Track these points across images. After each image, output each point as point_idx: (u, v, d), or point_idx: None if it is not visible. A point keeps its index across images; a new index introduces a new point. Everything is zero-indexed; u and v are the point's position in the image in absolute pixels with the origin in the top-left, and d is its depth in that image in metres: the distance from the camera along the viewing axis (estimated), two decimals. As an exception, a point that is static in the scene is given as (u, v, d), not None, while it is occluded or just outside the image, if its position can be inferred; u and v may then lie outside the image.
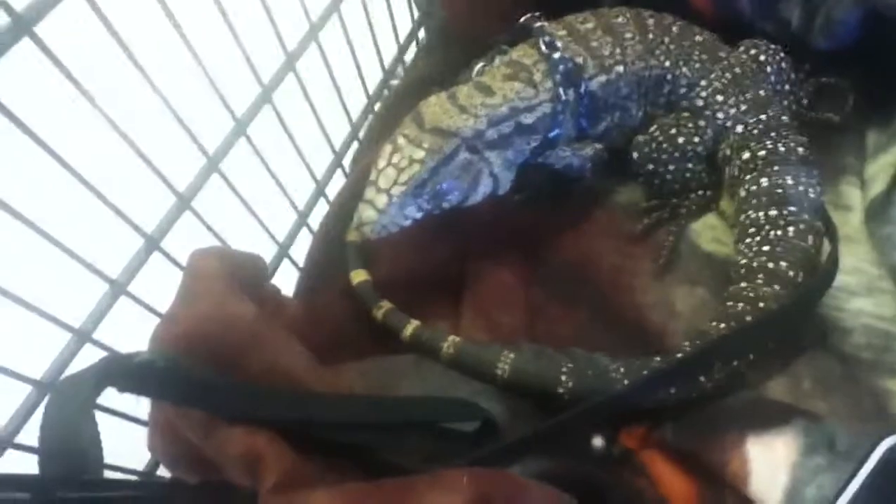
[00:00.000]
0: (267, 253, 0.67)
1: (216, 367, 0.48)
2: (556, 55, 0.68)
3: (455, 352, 0.60)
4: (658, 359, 0.58)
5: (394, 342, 0.62)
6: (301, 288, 0.66)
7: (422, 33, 0.92)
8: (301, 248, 0.70)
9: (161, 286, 0.53)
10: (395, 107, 0.81)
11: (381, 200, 0.59)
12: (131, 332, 0.49)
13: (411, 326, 0.62)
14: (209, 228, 0.60)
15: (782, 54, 0.76)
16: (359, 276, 0.66)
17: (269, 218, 0.67)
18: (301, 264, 0.70)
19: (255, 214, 0.65)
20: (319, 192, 0.75)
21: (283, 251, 0.69)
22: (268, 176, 0.67)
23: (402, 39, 0.88)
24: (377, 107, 0.84)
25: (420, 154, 0.60)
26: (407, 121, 0.63)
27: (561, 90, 0.68)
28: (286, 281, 0.68)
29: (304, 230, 0.72)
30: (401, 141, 0.62)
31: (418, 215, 0.62)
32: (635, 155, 0.72)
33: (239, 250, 0.59)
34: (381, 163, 0.61)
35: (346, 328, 0.64)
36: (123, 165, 0.55)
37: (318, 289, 0.66)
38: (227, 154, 0.61)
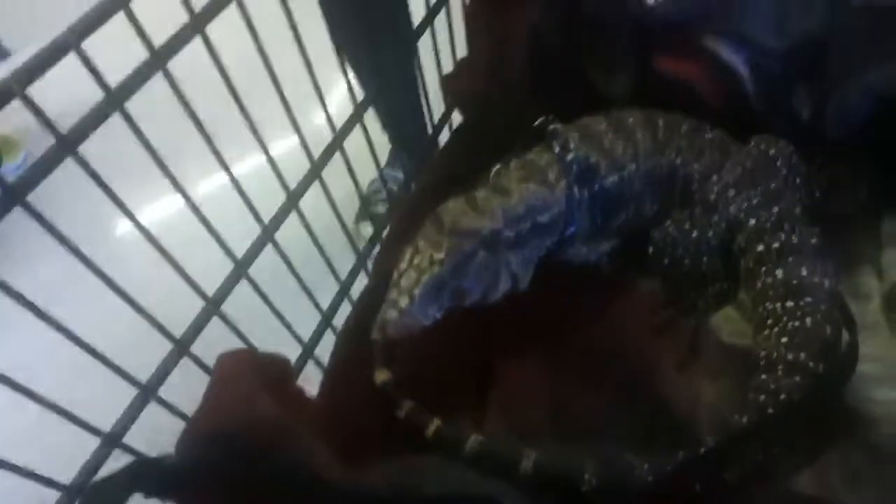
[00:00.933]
0: (292, 353, 0.68)
1: (241, 469, 0.48)
2: (570, 156, 0.70)
3: (478, 450, 0.60)
4: (683, 453, 0.58)
5: (418, 441, 0.62)
6: (324, 388, 0.67)
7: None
8: (325, 349, 0.72)
9: (190, 390, 0.54)
10: (416, 207, 0.83)
11: (404, 301, 0.61)
12: (160, 435, 0.50)
13: (434, 425, 0.62)
14: (237, 332, 0.62)
15: (792, 148, 0.78)
16: (382, 375, 0.67)
17: (294, 319, 0.69)
18: (325, 364, 0.71)
19: (281, 316, 0.67)
20: (343, 292, 0.77)
21: (308, 352, 0.71)
22: (292, 279, 0.69)
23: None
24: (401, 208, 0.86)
25: (440, 255, 0.62)
26: (427, 224, 0.65)
27: (575, 189, 0.70)
28: (311, 381, 0.69)
29: (329, 331, 0.74)
30: (421, 243, 0.63)
31: (438, 315, 0.63)
32: (651, 250, 0.73)
33: (264, 352, 0.61)
34: (403, 265, 0.63)
35: (370, 427, 0.65)
36: (152, 270, 0.57)
37: (341, 388, 0.67)
38: (254, 259, 0.63)
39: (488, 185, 0.69)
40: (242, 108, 0.59)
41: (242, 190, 0.62)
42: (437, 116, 0.92)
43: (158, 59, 0.52)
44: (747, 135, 0.79)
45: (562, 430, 0.65)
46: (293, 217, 0.69)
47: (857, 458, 0.60)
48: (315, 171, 0.71)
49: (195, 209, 0.58)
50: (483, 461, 0.59)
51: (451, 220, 0.64)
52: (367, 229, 1.33)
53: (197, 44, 0.55)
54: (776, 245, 0.69)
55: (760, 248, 0.70)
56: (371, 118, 0.81)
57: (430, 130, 0.91)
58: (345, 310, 0.76)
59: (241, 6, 0.59)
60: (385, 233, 0.84)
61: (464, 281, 0.63)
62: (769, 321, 0.66)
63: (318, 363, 0.72)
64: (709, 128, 0.77)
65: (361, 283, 0.79)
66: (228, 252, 0.61)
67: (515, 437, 0.62)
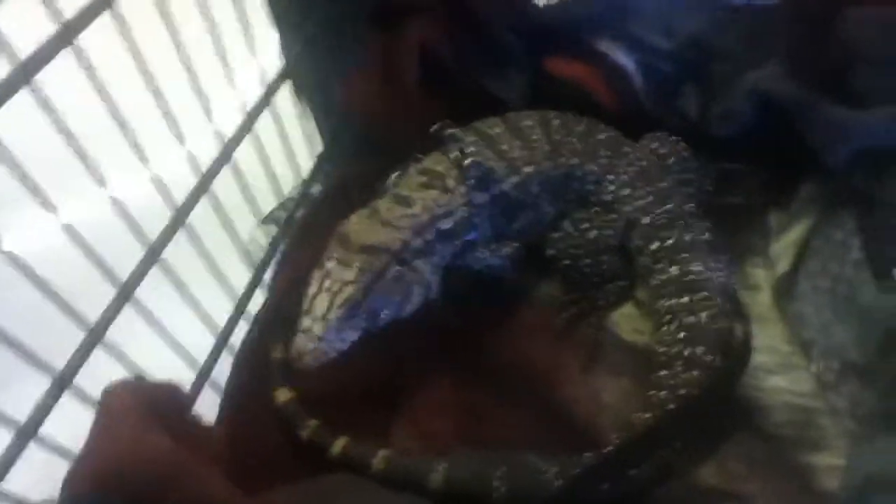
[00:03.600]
0: (186, 379, 0.65)
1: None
2: (468, 161, 0.70)
3: (386, 466, 0.59)
4: (588, 455, 0.58)
5: (324, 461, 0.60)
6: (223, 412, 0.65)
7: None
8: (222, 371, 0.69)
9: (74, 427, 0.51)
10: (313, 218, 0.82)
11: (318, 328, 0.59)
12: (40, 480, 0.47)
13: (340, 443, 0.61)
14: (123, 361, 0.59)
15: (683, 145, 0.80)
16: (283, 395, 0.65)
17: (187, 342, 0.66)
18: (223, 387, 0.69)
19: (173, 339, 0.64)
20: (239, 311, 0.75)
21: (204, 376, 0.68)
22: (182, 301, 0.67)
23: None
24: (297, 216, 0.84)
25: (351, 275, 0.60)
26: (333, 244, 0.63)
27: (475, 194, 0.69)
28: (209, 406, 0.67)
29: (225, 352, 0.71)
30: (329, 265, 0.61)
31: (355, 337, 0.61)
32: (551, 251, 0.74)
33: (155, 381, 0.58)
34: (313, 289, 0.61)
35: (274, 451, 0.62)
36: (29, 299, 0.54)
37: (241, 412, 0.64)
38: (139, 282, 0.60)
39: (389, 196, 0.68)
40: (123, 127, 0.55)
41: (124, 209, 0.59)
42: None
43: (26, 73, 0.49)
44: (640, 133, 0.81)
45: (471, 441, 0.64)
46: (181, 232, 0.66)
47: (754, 446, 0.62)
48: (203, 186, 0.68)
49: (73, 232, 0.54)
50: (393, 477, 0.58)
51: (358, 237, 0.63)
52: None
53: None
54: (670, 242, 0.70)
55: (655, 245, 0.71)
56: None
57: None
58: (241, 329, 0.73)
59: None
60: (283, 245, 0.82)
61: (378, 299, 0.62)
62: (666, 317, 0.67)
63: (214, 388, 0.69)
64: (602, 127, 0.78)
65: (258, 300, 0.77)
66: (111, 276, 0.58)
67: (425, 451, 0.60)
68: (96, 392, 0.54)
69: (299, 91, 0.93)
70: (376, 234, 0.63)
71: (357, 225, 0.64)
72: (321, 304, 0.59)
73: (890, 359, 0.61)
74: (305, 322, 0.59)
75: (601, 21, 0.85)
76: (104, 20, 0.56)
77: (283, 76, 0.83)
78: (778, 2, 0.85)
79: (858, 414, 0.62)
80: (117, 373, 0.58)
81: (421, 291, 0.66)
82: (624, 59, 0.84)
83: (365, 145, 0.92)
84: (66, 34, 0.52)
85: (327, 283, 0.60)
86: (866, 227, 0.70)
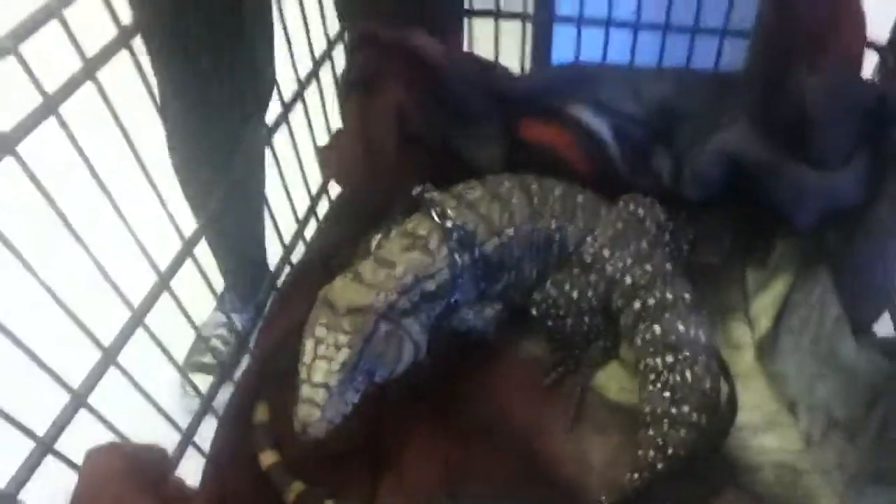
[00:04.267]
0: (170, 441, 0.64)
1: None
2: (449, 223, 0.71)
3: (372, 528, 0.58)
4: (577, 515, 0.58)
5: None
6: (207, 476, 0.63)
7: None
8: (206, 434, 0.68)
9: (56, 490, 0.50)
10: (296, 283, 0.82)
11: (321, 395, 0.58)
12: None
13: (326, 506, 0.60)
14: (106, 424, 0.58)
15: (658, 206, 0.81)
16: (269, 459, 0.64)
17: (171, 406, 0.65)
18: (206, 451, 0.67)
19: (156, 404, 0.63)
20: (224, 375, 0.74)
21: (187, 439, 0.67)
22: (167, 363, 0.66)
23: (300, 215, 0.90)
24: (279, 283, 0.84)
25: (344, 338, 0.60)
26: (319, 311, 0.63)
27: (456, 256, 0.70)
28: (192, 469, 0.65)
29: (210, 415, 0.70)
30: (320, 331, 0.61)
31: (356, 399, 0.61)
32: (534, 312, 0.75)
33: (138, 444, 0.57)
34: (308, 358, 0.60)
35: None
36: (11, 361, 0.53)
37: (225, 476, 0.63)
38: (124, 345, 0.60)
39: (371, 259, 0.68)
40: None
41: (105, 273, 0.58)
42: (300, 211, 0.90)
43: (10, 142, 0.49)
44: (615, 196, 0.82)
45: (457, 495, 0.63)
46: (165, 297, 0.65)
47: (744, 504, 0.62)
48: (189, 248, 0.68)
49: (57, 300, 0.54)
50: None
51: (344, 301, 0.63)
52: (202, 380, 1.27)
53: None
54: (651, 301, 0.71)
55: (637, 305, 0.72)
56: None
57: (297, 219, 0.89)
58: (226, 391, 0.72)
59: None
60: (265, 311, 0.81)
61: (373, 359, 0.61)
62: (651, 376, 0.68)
63: (199, 450, 0.68)
64: (580, 190, 0.80)
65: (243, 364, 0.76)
66: (94, 339, 0.57)
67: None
68: (79, 455, 0.52)
69: None
70: (361, 296, 0.63)
71: (341, 289, 0.64)
72: (319, 371, 0.59)
73: (873, 414, 0.62)
74: (305, 391, 0.59)
75: (572, 87, 0.88)
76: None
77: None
78: (740, 68, 0.88)
79: (846, 470, 0.62)
80: (100, 436, 0.57)
81: (411, 350, 0.65)
82: (597, 123, 0.86)
83: (345, 211, 0.93)
84: (50, 104, 0.52)
85: (321, 350, 0.60)
86: (842, 284, 0.71)
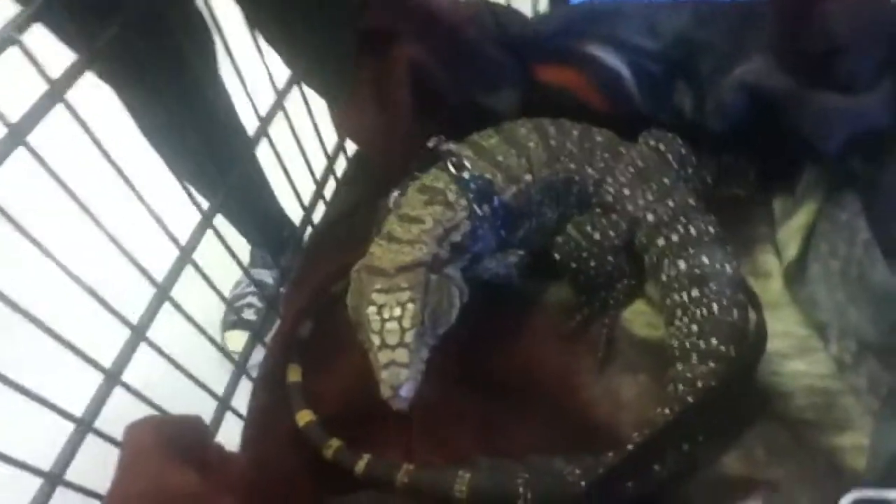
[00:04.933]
0: (208, 408, 0.66)
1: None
2: (466, 174, 0.70)
3: (410, 480, 0.59)
4: (611, 454, 0.58)
5: (349, 481, 0.61)
6: (247, 439, 0.65)
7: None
8: (243, 398, 0.69)
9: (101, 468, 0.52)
10: (319, 243, 0.83)
11: (403, 355, 0.58)
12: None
13: (363, 461, 0.61)
14: (143, 399, 0.59)
15: (680, 141, 0.80)
16: (305, 417, 0.65)
17: (205, 372, 0.66)
18: (244, 413, 0.69)
19: (189, 374, 0.64)
20: (255, 336, 0.75)
21: (225, 404, 0.68)
22: (196, 333, 0.67)
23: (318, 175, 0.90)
24: (304, 243, 0.85)
25: (405, 295, 0.60)
26: (366, 278, 0.63)
27: (476, 206, 0.70)
28: (231, 433, 0.67)
29: (244, 379, 0.72)
30: (378, 297, 0.61)
31: (427, 354, 0.61)
32: (557, 256, 0.74)
33: (176, 416, 0.58)
34: (376, 325, 0.60)
35: (298, 474, 0.63)
36: (42, 349, 0.55)
37: (264, 437, 0.65)
38: (152, 322, 0.61)
39: (396, 218, 0.69)
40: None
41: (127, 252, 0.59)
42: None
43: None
44: (636, 134, 0.81)
45: (492, 450, 0.64)
46: (189, 270, 0.66)
47: (777, 432, 0.62)
48: (207, 219, 0.68)
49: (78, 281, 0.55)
50: (418, 490, 0.59)
51: (389, 262, 0.63)
52: (236, 337, 1.29)
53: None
54: (676, 238, 0.70)
55: (661, 241, 0.71)
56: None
57: (315, 180, 0.89)
58: (258, 355, 0.74)
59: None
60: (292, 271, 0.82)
61: (433, 310, 0.62)
62: (678, 312, 0.67)
63: (237, 413, 0.69)
64: (598, 130, 0.79)
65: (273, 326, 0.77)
66: (122, 319, 0.58)
67: (446, 463, 0.61)
68: (119, 432, 0.54)
69: None
70: (404, 254, 0.64)
71: (380, 253, 0.65)
72: (392, 333, 0.59)
73: (906, 334, 0.61)
74: (384, 356, 0.58)
75: (587, 27, 0.86)
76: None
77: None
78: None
79: (879, 393, 0.61)
80: (138, 410, 0.59)
81: (457, 296, 0.66)
82: (614, 61, 0.84)
83: (364, 168, 0.93)
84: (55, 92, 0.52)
85: (386, 313, 0.60)
86: (871, 210, 0.70)
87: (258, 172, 1.12)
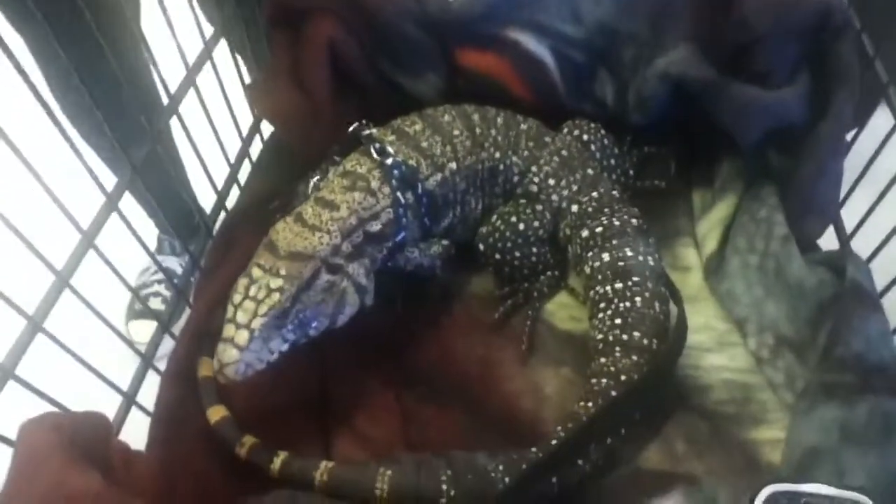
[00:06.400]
0: (111, 405, 0.62)
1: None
2: (389, 160, 0.68)
3: (329, 478, 0.57)
4: (534, 450, 0.57)
5: (264, 480, 0.58)
6: (154, 437, 0.61)
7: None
8: (149, 394, 0.65)
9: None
10: (232, 231, 0.79)
11: (243, 337, 0.56)
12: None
13: (279, 459, 0.58)
14: (39, 393, 0.55)
15: (603, 131, 0.80)
16: (217, 414, 0.62)
17: (108, 365, 0.62)
18: (151, 410, 0.65)
19: (91, 367, 0.60)
20: (164, 328, 0.71)
21: (130, 400, 0.64)
22: (100, 325, 0.63)
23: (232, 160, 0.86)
24: (215, 231, 0.81)
25: (278, 282, 0.58)
26: (260, 250, 0.61)
27: (399, 194, 0.68)
28: (137, 431, 0.63)
29: (151, 373, 0.68)
30: (256, 272, 0.59)
31: (284, 347, 0.59)
32: (481, 246, 0.73)
33: (76, 412, 0.54)
34: (238, 297, 0.58)
35: (210, 474, 0.60)
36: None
37: (172, 435, 0.61)
38: (50, 310, 0.56)
39: (312, 200, 0.66)
40: None
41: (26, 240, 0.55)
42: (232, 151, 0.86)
43: None
44: (558, 122, 0.81)
45: (413, 445, 0.63)
46: (92, 255, 0.62)
47: (697, 425, 0.63)
48: (112, 202, 0.64)
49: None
50: (337, 489, 0.56)
51: (286, 244, 0.60)
52: (141, 328, 1.25)
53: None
54: (599, 229, 0.70)
55: (585, 233, 0.71)
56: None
57: (229, 163, 0.85)
58: (166, 346, 0.70)
59: None
60: (203, 259, 0.78)
61: (307, 308, 0.59)
62: (601, 304, 0.67)
63: (143, 410, 0.65)
64: (522, 118, 0.78)
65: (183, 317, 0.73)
66: (18, 309, 0.54)
67: (368, 460, 0.59)
68: (12, 430, 0.50)
69: None
70: (304, 239, 0.61)
71: (284, 231, 0.62)
72: (245, 311, 0.57)
73: (820, 331, 0.62)
74: (228, 330, 0.56)
75: (510, 11, 0.85)
76: None
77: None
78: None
79: (795, 387, 0.63)
80: (35, 407, 0.54)
81: (355, 301, 0.63)
82: (537, 47, 0.84)
83: (280, 153, 0.89)
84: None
85: (252, 291, 0.57)
86: (787, 203, 0.71)
87: (171, 147, 1.07)
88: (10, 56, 0.52)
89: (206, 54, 0.80)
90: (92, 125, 1.05)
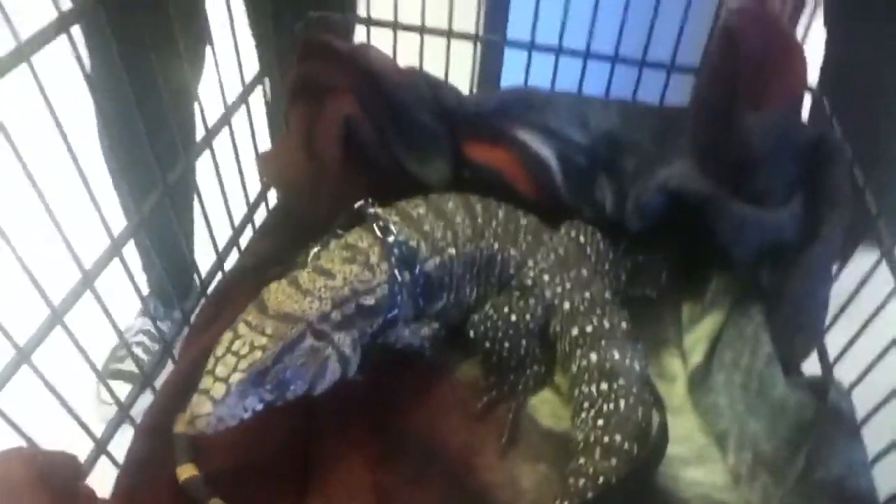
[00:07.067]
0: (82, 450, 0.61)
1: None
2: (391, 238, 0.69)
3: (295, 550, 0.55)
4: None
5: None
6: (120, 488, 0.60)
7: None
8: (121, 444, 0.64)
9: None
10: (227, 291, 0.79)
11: (219, 390, 0.55)
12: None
13: (245, 524, 0.57)
14: (15, 427, 0.54)
15: (599, 235, 0.82)
16: (186, 472, 0.61)
17: (86, 414, 0.61)
18: (121, 461, 0.64)
19: (69, 408, 0.59)
20: (146, 382, 0.71)
21: (101, 447, 0.63)
22: (85, 365, 0.62)
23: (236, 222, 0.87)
24: (210, 290, 0.81)
25: (263, 340, 0.58)
26: (249, 307, 0.61)
27: (397, 272, 0.69)
28: (103, 480, 0.62)
29: (126, 424, 0.67)
30: (242, 328, 0.59)
31: (259, 406, 0.58)
32: (472, 333, 0.74)
33: (49, 450, 0.53)
34: (220, 350, 0.58)
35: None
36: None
37: (140, 487, 0.60)
38: (39, 344, 0.56)
39: (310, 267, 0.67)
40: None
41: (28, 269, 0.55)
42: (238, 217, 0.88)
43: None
44: (556, 222, 0.82)
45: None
46: (88, 297, 0.62)
47: (671, 537, 0.62)
48: (116, 248, 0.65)
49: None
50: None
51: (276, 304, 0.61)
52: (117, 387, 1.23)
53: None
54: (589, 329, 0.71)
55: (575, 331, 0.72)
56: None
57: (231, 229, 0.86)
58: (146, 399, 0.69)
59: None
60: (193, 317, 0.78)
61: (288, 370, 0.59)
62: (585, 404, 0.67)
63: (112, 460, 0.64)
64: (523, 213, 0.79)
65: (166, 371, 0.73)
66: (10, 340, 0.53)
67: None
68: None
69: None
70: (295, 302, 0.61)
71: (276, 293, 0.62)
72: (225, 365, 0.56)
73: (799, 452, 0.63)
74: (206, 382, 0.56)
75: (521, 111, 0.88)
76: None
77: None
78: (685, 104, 0.90)
79: (770, 509, 0.62)
80: (7, 440, 0.53)
81: (337, 370, 0.63)
82: (543, 148, 0.86)
83: (284, 220, 0.91)
84: None
85: (236, 346, 0.58)
86: (774, 321, 0.72)
87: (189, 190, 1.07)
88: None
89: (245, 94, 0.83)
90: (127, 159, 1.05)
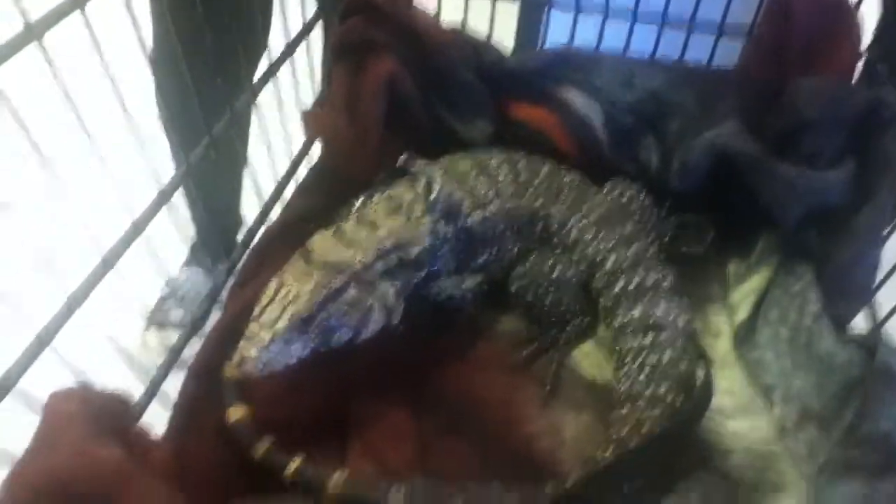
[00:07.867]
0: (135, 391, 0.62)
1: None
2: (435, 193, 0.70)
3: (343, 488, 0.56)
4: (549, 489, 0.57)
5: (276, 483, 0.58)
6: (172, 428, 0.61)
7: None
8: (173, 386, 0.66)
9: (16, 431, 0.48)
10: (270, 245, 0.80)
11: (265, 337, 0.57)
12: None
13: (294, 464, 0.58)
14: (72, 368, 0.56)
15: (644, 193, 0.81)
16: (237, 413, 0.62)
17: (137, 354, 0.63)
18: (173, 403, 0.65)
19: (123, 350, 0.61)
20: (194, 328, 0.72)
21: (154, 388, 0.65)
22: (129, 315, 0.64)
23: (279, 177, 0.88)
24: (253, 243, 0.82)
25: (307, 288, 0.59)
26: (295, 257, 0.63)
27: (440, 226, 0.69)
28: (156, 421, 0.63)
29: (177, 367, 0.68)
30: (288, 277, 0.60)
31: (305, 353, 0.60)
32: (514, 288, 0.74)
33: (103, 390, 0.55)
34: (266, 298, 0.59)
35: (222, 470, 0.59)
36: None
37: (189, 428, 0.61)
38: (91, 291, 0.58)
39: (354, 218, 0.67)
40: None
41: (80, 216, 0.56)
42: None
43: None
44: (601, 180, 0.82)
45: (428, 472, 0.62)
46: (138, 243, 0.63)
47: (715, 486, 0.62)
48: (163, 198, 0.66)
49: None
50: (349, 500, 0.56)
51: (321, 253, 0.62)
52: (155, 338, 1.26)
53: None
54: (633, 284, 0.71)
55: (618, 287, 0.71)
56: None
57: (274, 182, 0.87)
58: (194, 345, 0.70)
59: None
60: (239, 266, 0.79)
61: (332, 318, 0.60)
62: (629, 357, 0.67)
63: (164, 401, 0.66)
64: (566, 171, 0.79)
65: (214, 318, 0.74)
66: (62, 287, 0.55)
67: (381, 476, 0.58)
68: (42, 397, 0.51)
69: None
70: (339, 252, 0.62)
71: (321, 242, 0.64)
72: (272, 312, 0.58)
73: (847, 407, 0.62)
74: (252, 329, 0.58)
75: (565, 70, 0.87)
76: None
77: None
78: (733, 65, 0.88)
79: (817, 460, 0.62)
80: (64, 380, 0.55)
81: (380, 319, 0.64)
82: (586, 108, 0.86)
83: (326, 176, 0.91)
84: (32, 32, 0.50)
85: (282, 293, 0.59)
86: (822, 282, 0.72)
87: (244, 132, 1.08)
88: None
89: (271, 73, 0.83)
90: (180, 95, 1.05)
